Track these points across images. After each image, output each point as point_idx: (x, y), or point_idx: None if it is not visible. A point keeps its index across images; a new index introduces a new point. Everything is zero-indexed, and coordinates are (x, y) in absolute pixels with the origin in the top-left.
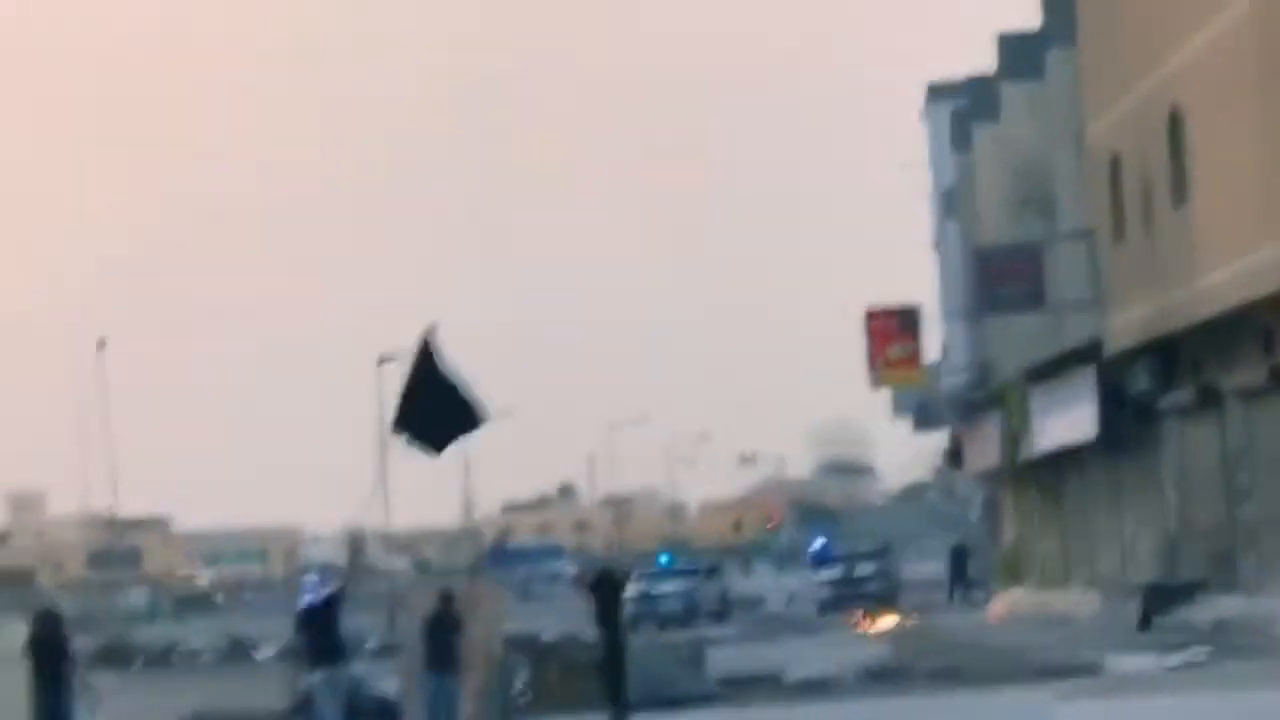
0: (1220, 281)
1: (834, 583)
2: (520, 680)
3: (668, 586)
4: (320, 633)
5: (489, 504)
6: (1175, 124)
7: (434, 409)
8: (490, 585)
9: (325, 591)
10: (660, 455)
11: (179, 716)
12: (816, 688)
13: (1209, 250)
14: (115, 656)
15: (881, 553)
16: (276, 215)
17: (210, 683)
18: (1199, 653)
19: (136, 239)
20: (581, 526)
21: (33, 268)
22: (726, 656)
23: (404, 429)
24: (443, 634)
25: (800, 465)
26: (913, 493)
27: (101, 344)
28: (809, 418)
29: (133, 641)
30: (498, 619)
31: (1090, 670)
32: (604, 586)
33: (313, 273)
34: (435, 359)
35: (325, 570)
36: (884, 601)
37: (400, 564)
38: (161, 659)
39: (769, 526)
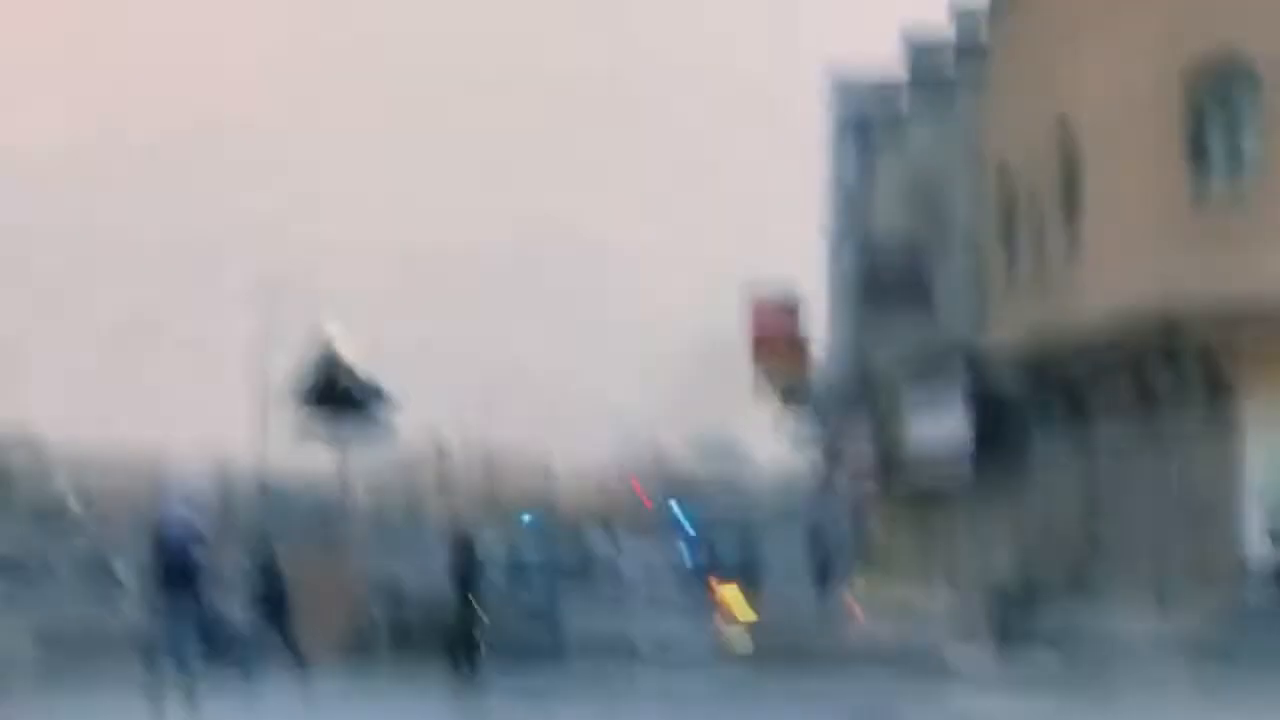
0: (1097, 304)
1: (696, 557)
2: (380, 626)
3: (530, 546)
4: (179, 560)
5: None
6: (1067, 145)
7: (333, 406)
8: (355, 528)
9: (195, 520)
10: (535, 416)
11: (29, 631)
12: (668, 656)
13: (1089, 272)
14: None
15: (745, 531)
16: (176, 134)
17: (65, 598)
18: (1036, 657)
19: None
20: (450, 479)
21: None
22: (584, 621)
23: (307, 412)
24: (269, 580)
25: (677, 438)
26: (788, 480)
27: None
28: (689, 399)
29: None
30: (359, 562)
31: (932, 666)
32: (461, 544)
33: (204, 192)
34: (333, 365)
35: (196, 499)
36: (745, 580)
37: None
38: (17, 571)
39: (638, 497)
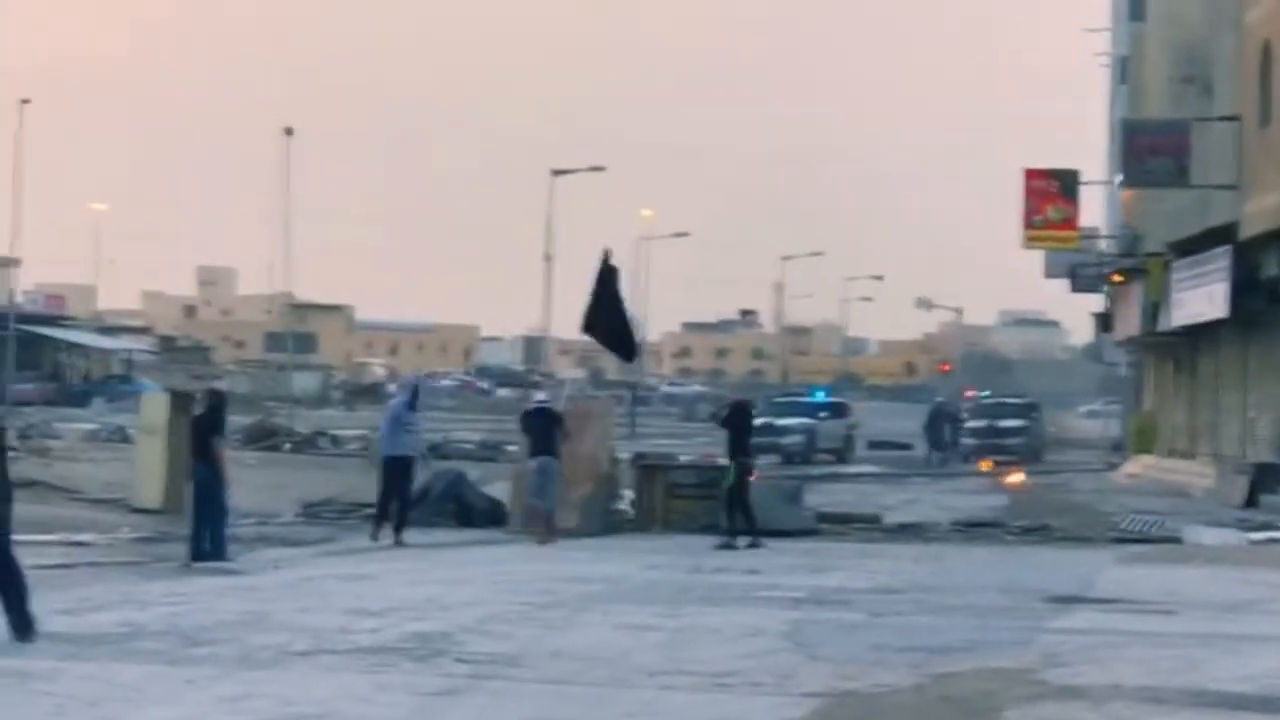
0: None
1: (978, 433)
2: (626, 496)
3: (790, 421)
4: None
5: (670, 323)
6: None
7: (611, 324)
8: (601, 401)
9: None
10: (837, 292)
11: (295, 500)
12: (909, 531)
13: None
14: (265, 437)
15: (1028, 409)
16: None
17: (345, 470)
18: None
19: (328, 30)
20: (758, 353)
21: (229, 55)
22: (837, 497)
23: (591, 333)
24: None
25: (982, 314)
26: (1091, 352)
27: (288, 132)
28: (985, 272)
29: (282, 425)
30: (606, 434)
31: (1169, 539)
32: (736, 418)
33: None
34: (614, 281)
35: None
36: (1026, 457)
37: (578, 373)
38: (308, 443)
39: (940, 370)
